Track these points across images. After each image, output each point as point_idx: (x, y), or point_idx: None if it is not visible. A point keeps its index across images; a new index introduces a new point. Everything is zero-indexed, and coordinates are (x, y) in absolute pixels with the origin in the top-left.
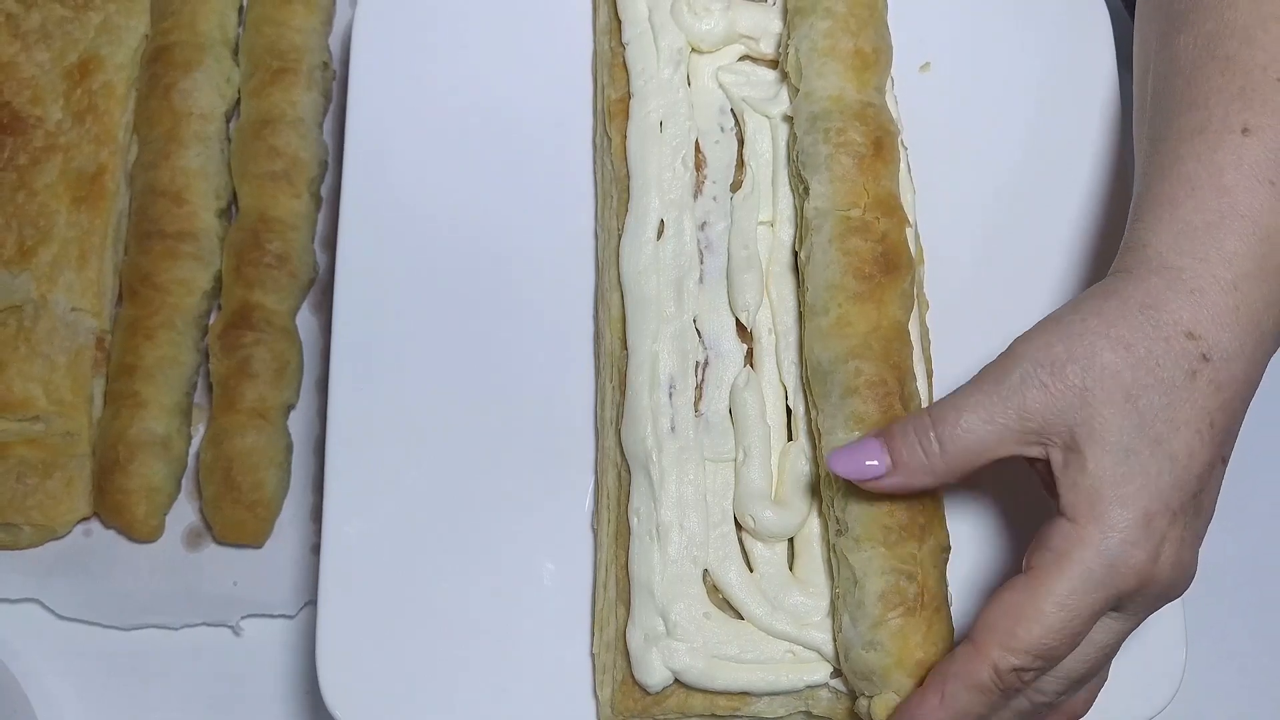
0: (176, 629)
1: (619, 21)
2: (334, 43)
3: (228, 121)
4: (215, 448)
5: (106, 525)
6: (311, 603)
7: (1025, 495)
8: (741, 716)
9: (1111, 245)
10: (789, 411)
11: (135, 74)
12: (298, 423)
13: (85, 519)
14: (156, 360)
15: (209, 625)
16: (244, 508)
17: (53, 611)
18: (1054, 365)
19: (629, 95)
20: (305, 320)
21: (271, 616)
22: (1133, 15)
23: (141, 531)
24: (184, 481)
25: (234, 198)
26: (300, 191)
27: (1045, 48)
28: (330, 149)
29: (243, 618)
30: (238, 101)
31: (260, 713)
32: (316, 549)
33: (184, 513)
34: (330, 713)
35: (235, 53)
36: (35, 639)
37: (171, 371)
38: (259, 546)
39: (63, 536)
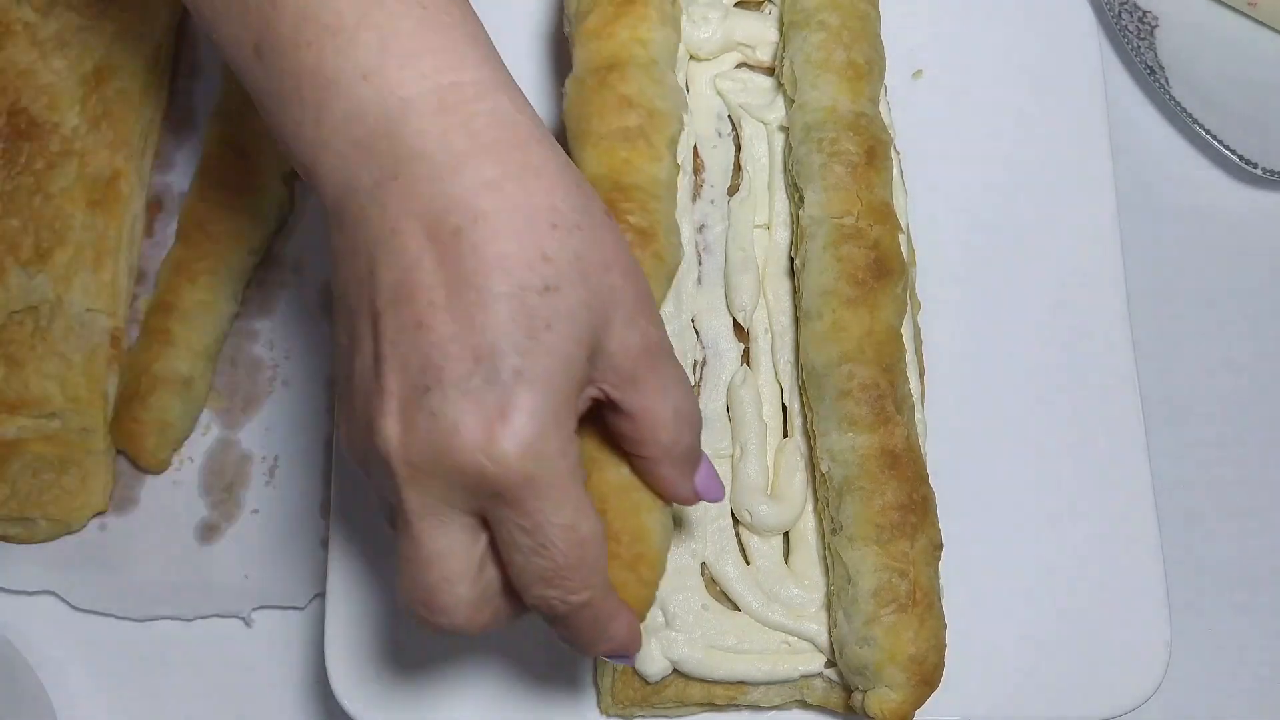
0: (189, 620)
1: None
2: None
3: None
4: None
5: (118, 450)
6: (320, 595)
7: (1018, 494)
8: (738, 705)
9: (1102, 244)
10: (785, 409)
11: (150, 80)
12: (303, 421)
13: (100, 514)
14: (194, 303)
15: (221, 617)
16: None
17: (68, 603)
18: None
19: None
20: (315, 320)
21: (282, 608)
22: (1107, 21)
23: (149, 462)
24: (197, 473)
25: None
26: (660, 153)
27: (1033, 53)
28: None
29: (254, 609)
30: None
31: (270, 701)
32: (326, 543)
33: (197, 508)
34: (338, 701)
35: None
36: (51, 630)
37: (206, 317)
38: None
39: (78, 531)
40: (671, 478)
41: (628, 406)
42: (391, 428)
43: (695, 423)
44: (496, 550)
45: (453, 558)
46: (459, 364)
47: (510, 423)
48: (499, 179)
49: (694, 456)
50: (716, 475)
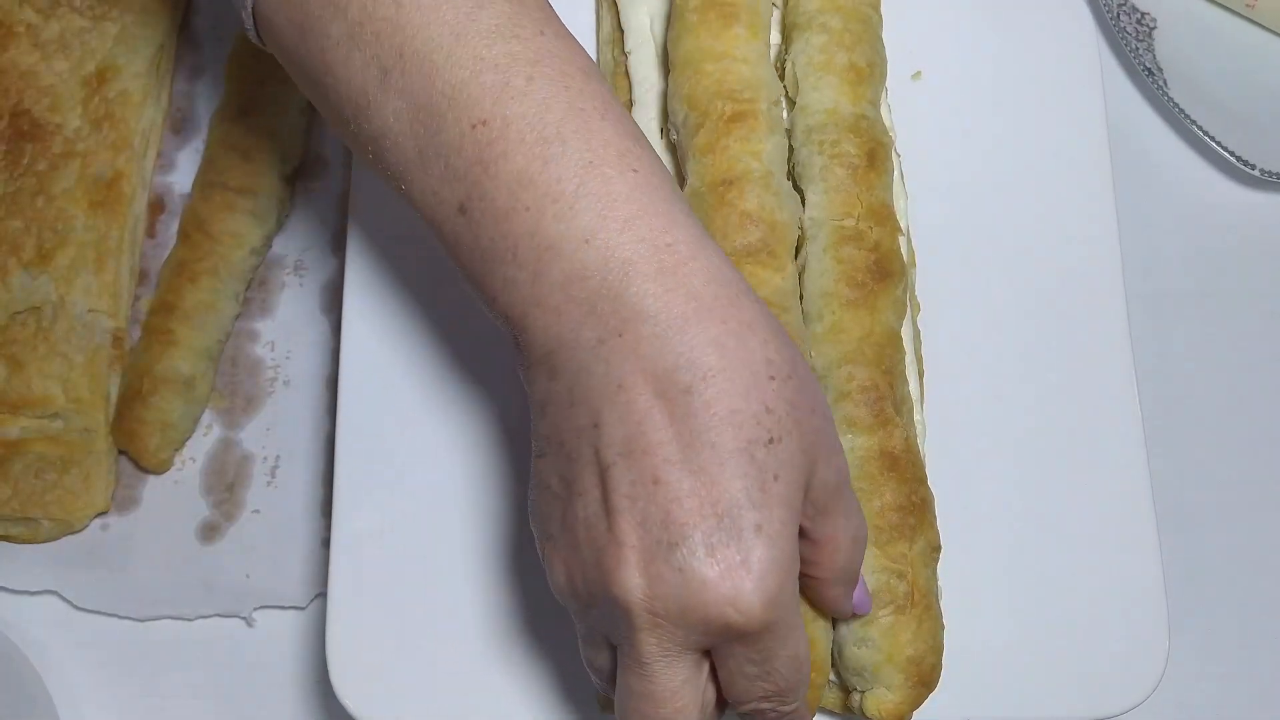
0: (191, 620)
1: (621, 32)
2: None
3: None
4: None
5: (120, 450)
6: (322, 595)
7: (1017, 495)
8: None
9: (1100, 245)
10: None
11: (152, 83)
12: (304, 421)
13: (102, 514)
14: (195, 304)
15: (222, 616)
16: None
17: (71, 603)
18: None
19: (631, 103)
20: (316, 321)
21: (283, 608)
22: (1106, 23)
23: (151, 462)
24: (198, 474)
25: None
26: (784, 263)
27: (1032, 55)
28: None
29: (255, 609)
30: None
31: (272, 701)
32: (327, 543)
33: (198, 508)
34: (339, 701)
35: None
36: (54, 630)
37: (207, 317)
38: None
39: (80, 531)
40: (837, 596)
41: (815, 534)
42: (633, 579)
43: (864, 546)
44: (713, 668)
45: (685, 692)
46: (701, 520)
47: (754, 575)
48: (721, 336)
49: (857, 576)
50: (866, 588)
